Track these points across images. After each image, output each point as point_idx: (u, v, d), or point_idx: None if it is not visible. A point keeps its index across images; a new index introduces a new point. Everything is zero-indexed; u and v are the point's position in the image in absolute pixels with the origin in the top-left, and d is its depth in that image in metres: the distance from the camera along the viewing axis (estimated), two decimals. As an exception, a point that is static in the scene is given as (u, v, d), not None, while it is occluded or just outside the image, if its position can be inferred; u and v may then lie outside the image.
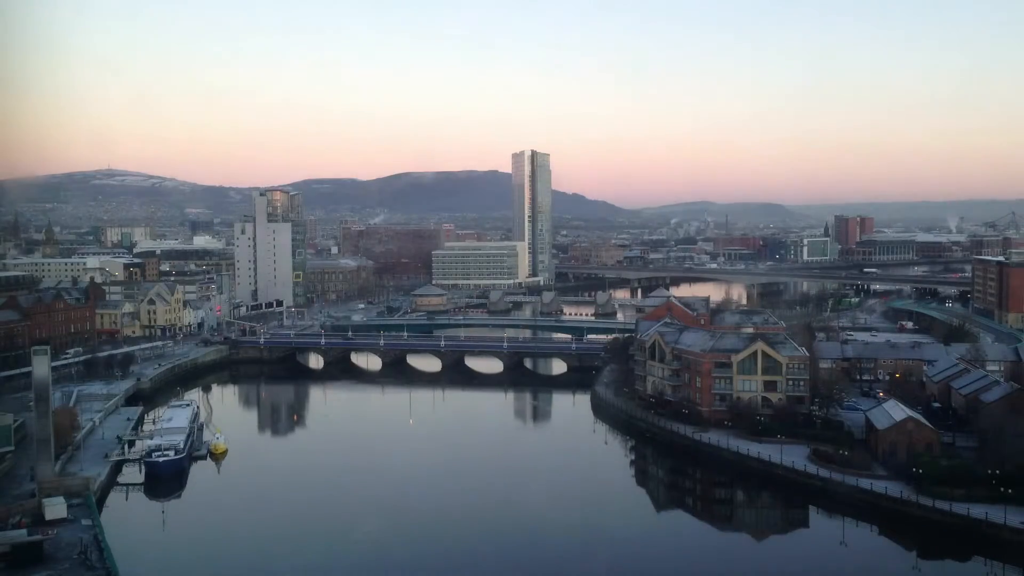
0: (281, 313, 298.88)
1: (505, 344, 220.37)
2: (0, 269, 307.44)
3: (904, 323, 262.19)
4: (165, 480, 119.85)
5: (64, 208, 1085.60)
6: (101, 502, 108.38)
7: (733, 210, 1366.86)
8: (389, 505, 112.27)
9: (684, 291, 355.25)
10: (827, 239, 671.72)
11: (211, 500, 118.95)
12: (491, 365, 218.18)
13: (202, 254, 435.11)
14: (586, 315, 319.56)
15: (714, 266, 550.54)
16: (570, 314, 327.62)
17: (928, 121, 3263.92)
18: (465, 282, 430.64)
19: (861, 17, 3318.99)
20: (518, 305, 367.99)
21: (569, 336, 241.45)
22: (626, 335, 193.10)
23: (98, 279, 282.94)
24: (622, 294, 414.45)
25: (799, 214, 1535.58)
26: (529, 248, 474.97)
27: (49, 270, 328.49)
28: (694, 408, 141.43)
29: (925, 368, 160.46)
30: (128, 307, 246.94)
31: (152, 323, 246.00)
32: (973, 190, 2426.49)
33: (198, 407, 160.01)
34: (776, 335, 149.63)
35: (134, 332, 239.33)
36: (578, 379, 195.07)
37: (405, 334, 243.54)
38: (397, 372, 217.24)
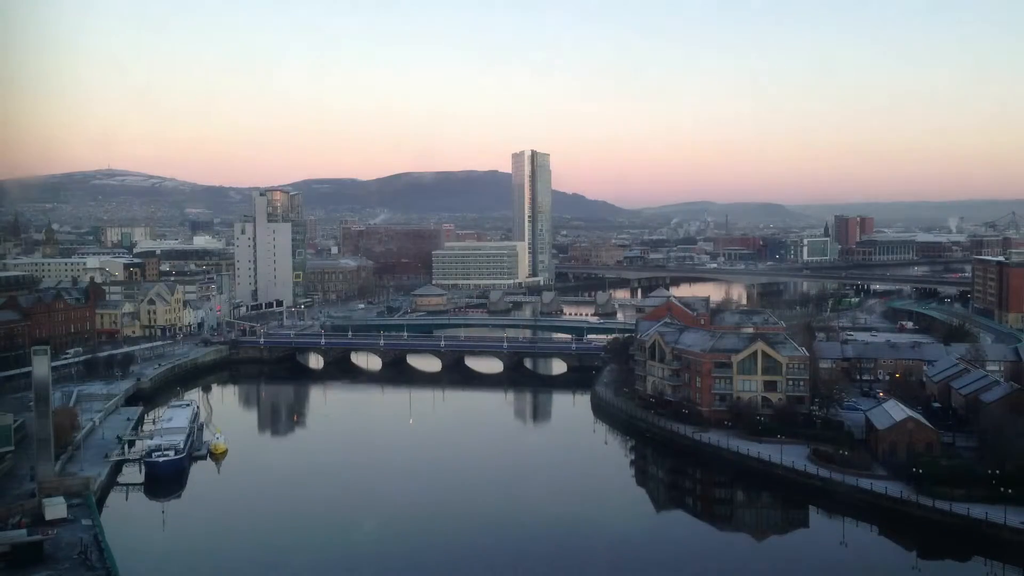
0: (281, 313, 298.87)
1: (505, 344, 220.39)
2: (0, 269, 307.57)
3: (904, 323, 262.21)
4: (165, 480, 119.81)
5: (64, 208, 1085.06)
6: (101, 502, 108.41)
7: (733, 210, 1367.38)
8: (389, 505, 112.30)
9: (684, 291, 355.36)
10: (827, 239, 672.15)
11: (211, 500, 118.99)
12: (491, 365, 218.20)
13: (202, 254, 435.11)
14: (586, 315, 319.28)
15: (714, 266, 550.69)
16: (570, 314, 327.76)
17: (928, 121, 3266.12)
18: (465, 282, 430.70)
19: (861, 17, 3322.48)
20: (518, 305, 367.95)
21: (569, 336, 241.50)
22: (626, 335, 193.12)
23: (98, 279, 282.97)
24: (622, 294, 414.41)
25: (799, 214, 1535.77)
26: (529, 248, 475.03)
27: (49, 270, 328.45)
28: (694, 408, 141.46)
29: (925, 368, 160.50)
30: (128, 307, 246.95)
31: (152, 323, 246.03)
32: (973, 190, 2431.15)
33: (198, 407, 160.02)
34: (776, 335, 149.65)
35: (134, 332, 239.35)
36: (578, 379, 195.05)
37: (405, 334, 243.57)
38: (397, 372, 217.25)
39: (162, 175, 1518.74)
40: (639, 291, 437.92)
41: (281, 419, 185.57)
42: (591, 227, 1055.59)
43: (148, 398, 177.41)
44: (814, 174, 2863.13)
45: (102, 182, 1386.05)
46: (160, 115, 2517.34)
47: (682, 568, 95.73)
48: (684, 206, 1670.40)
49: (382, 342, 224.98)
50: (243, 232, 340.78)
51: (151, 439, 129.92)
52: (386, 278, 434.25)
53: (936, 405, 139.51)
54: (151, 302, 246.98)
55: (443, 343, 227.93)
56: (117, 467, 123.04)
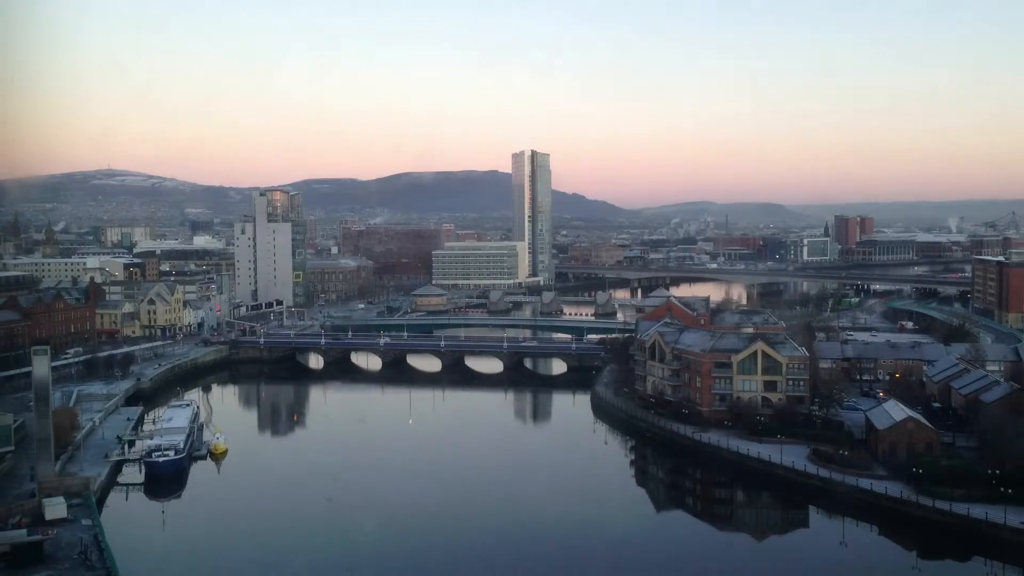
0: (281, 313, 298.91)
1: (505, 344, 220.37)
2: (0, 269, 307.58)
3: (904, 323, 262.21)
4: (165, 480, 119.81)
5: (64, 208, 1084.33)
6: (101, 502, 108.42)
7: (733, 210, 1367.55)
8: (389, 505, 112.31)
9: (684, 291, 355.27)
10: (827, 239, 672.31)
11: (211, 500, 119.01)
12: (491, 365, 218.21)
13: (202, 254, 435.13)
14: (586, 315, 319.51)
15: (714, 266, 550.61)
16: (570, 314, 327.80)
17: (928, 121, 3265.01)
18: (465, 282, 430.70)
19: (861, 17, 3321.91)
20: (518, 305, 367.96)
21: (569, 336, 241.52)
22: (626, 335, 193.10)
23: (98, 279, 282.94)
24: (622, 294, 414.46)
25: (799, 214, 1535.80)
26: (529, 248, 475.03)
27: (49, 270, 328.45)
28: (694, 408, 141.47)
29: (925, 368, 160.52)
30: (128, 307, 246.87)
31: (152, 323, 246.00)
32: (973, 190, 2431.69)
33: (198, 407, 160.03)
34: (776, 335, 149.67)
35: (134, 332, 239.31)
36: (578, 379, 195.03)
37: (405, 334, 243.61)
38: (397, 372, 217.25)
39: (162, 175, 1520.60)
40: (639, 291, 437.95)
41: (281, 419, 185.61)
42: (591, 227, 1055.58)
43: (148, 398, 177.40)
44: (814, 174, 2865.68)
45: (102, 182, 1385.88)
46: (160, 115, 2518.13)
47: (682, 568, 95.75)
48: (684, 206, 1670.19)
49: (382, 342, 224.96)
50: (243, 232, 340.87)
51: (151, 439, 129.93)
52: (386, 278, 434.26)
53: (936, 405, 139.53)
54: (151, 302, 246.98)
55: (443, 343, 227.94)
56: (117, 467, 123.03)
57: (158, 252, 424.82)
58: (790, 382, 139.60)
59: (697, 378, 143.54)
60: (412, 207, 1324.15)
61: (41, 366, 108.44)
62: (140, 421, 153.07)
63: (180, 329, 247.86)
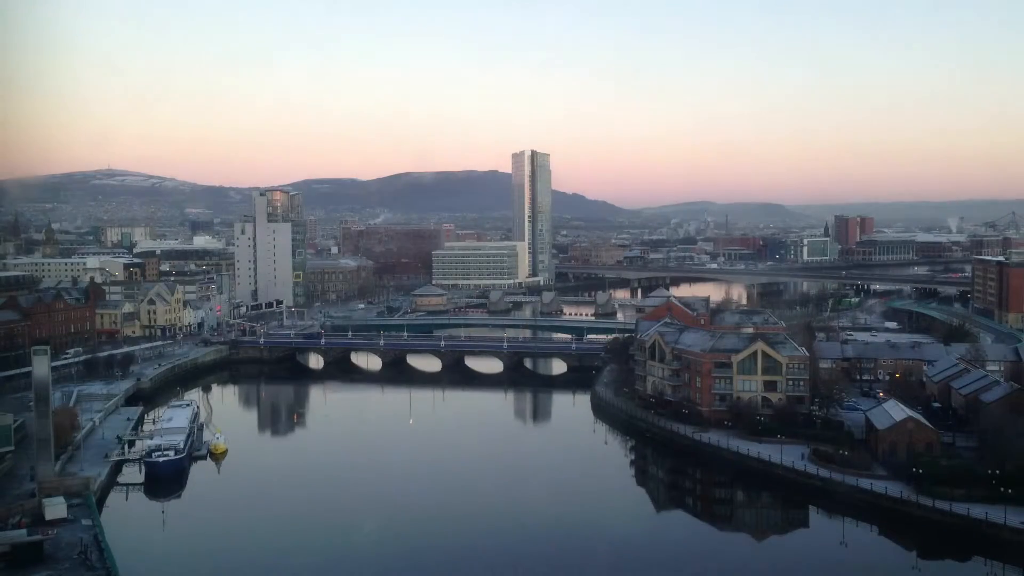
0: (281, 313, 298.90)
1: (505, 344, 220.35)
2: (0, 269, 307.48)
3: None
4: (165, 480, 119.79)
5: (64, 208, 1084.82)
6: (101, 502, 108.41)
7: (733, 210, 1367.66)
8: (389, 504, 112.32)
9: (684, 291, 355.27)
10: (827, 239, 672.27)
11: (211, 500, 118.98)
12: (491, 365, 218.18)
13: (202, 254, 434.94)
14: (586, 315, 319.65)
15: (714, 266, 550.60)
16: (570, 314, 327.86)
17: (928, 121, 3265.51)
18: (465, 282, 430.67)
19: (861, 17, 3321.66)
20: (518, 305, 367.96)
21: (569, 336, 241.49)
22: (626, 335, 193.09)
23: (98, 279, 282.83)
24: (622, 294, 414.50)
25: (799, 214, 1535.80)
26: (529, 248, 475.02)
27: (49, 270, 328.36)
28: (694, 408, 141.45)
29: (925, 368, 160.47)
30: (128, 307, 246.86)
31: (152, 323, 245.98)
32: (973, 190, 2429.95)
33: (198, 407, 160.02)
34: (776, 335, 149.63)
35: (134, 332, 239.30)
36: (578, 379, 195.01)
37: (405, 334, 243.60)
38: (397, 372, 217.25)
39: (162, 175, 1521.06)
40: (639, 291, 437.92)
41: (281, 419, 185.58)
42: (591, 227, 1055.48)
43: (148, 398, 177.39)
44: (814, 174, 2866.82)
45: (102, 182, 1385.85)
46: (160, 115, 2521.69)
47: (682, 568, 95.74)
48: (684, 206, 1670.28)
49: (382, 342, 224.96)
50: (243, 232, 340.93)
51: (151, 439, 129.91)
52: (386, 278, 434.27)
53: (936, 405, 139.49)
54: (151, 302, 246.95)
55: (443, 343, 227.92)
56: (117, 467, 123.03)
57: (158, 252, 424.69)
58: (790, 382, 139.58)
59: (697, 378, 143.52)
60: (412, 207, 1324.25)
61: (41, 366, 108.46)
62: (140, 421, 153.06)
63: (180, 329, 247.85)
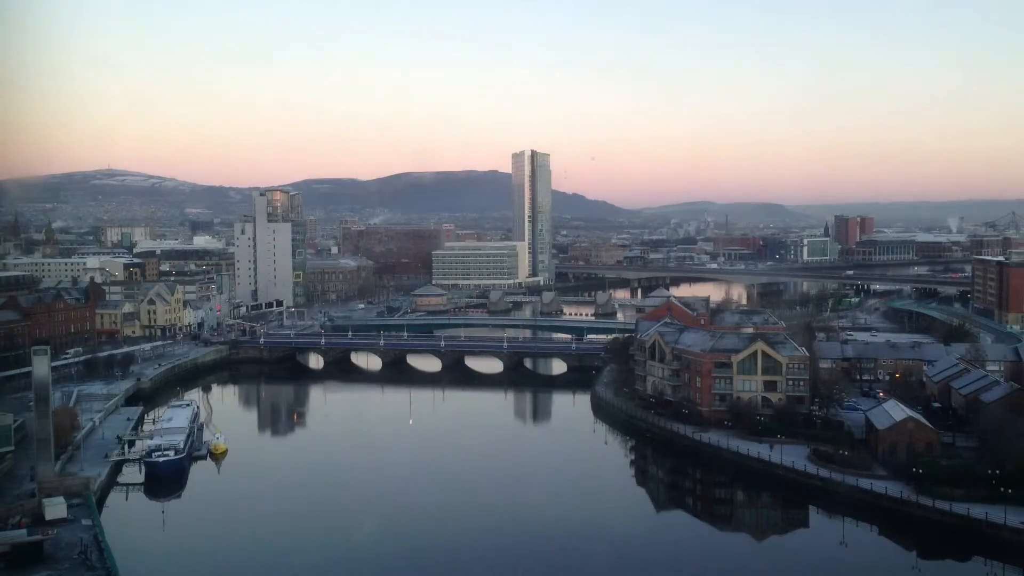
0: (281, 313, 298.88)
1: (505, 344, 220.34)
2: (0, 269, 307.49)
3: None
4: (165, 480, 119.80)
5: (64, 208, 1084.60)
6: (101, 502, 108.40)
7: (733, 210, 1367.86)
8: (389, 504, 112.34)
9: (684, 291, 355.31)
10: (827, 239, 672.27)
11: (211, 500, 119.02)
12: (491, 365, 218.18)
13: (202, 254, 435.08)
14: (586, 315, 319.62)
15: (714, 266, 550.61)
16: (570, 314, 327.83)
17: (928, 121, 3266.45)
18: (465, 282, 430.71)
19: (861, 17, 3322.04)
20: (518, 305, 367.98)
21: (569, 336, 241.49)
22: (626, 335, 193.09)
23: (98, 279, 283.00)
24: (622, 294, 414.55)
25: (799, 214, 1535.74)
26: (529, 248, 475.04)
27: (49, 270, 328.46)
28: (694, 408, 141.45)
29: (925, 368, 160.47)
30: (128, 307, 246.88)
31: (152, 323, 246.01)
32: (973, 190, 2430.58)
33: (198, 407, 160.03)
34: (776, 335, 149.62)
35: (134, 332, 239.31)
36: (578, 379, 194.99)
37: (405, 334, 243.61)
38: (397, 372, 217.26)
39: (162, 175, 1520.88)
40: (639, 291, 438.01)
41: (281, 419, 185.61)
42: (591, 227, 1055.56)
43: (148, 398, 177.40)
44: (814, 174, 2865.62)
45: (102, 182, 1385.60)
46: (160, 115, 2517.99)
47: (682, 568, 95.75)
48: (684, 206, 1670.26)
49: (382, 342, 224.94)
50: (243, 232, 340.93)
51: (151, 439, 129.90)
52: (386, 278, 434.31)
53: (936, 405, 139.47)
54: (151, 302, 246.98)
55: (443, 343, 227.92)
56: (117, 467, 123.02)
57: (158, 252, 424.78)
58: (790, 382, 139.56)
59: (697, 378, 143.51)
60: (412, 207, 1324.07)
61: (41, 366, 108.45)
62: (140, 421, 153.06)
63: (180, 329, 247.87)
